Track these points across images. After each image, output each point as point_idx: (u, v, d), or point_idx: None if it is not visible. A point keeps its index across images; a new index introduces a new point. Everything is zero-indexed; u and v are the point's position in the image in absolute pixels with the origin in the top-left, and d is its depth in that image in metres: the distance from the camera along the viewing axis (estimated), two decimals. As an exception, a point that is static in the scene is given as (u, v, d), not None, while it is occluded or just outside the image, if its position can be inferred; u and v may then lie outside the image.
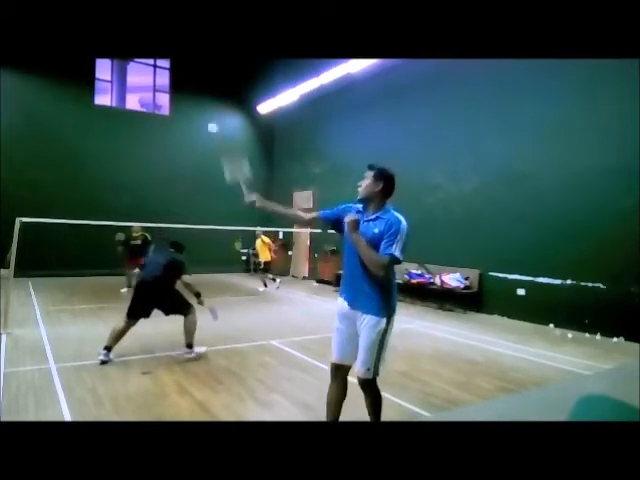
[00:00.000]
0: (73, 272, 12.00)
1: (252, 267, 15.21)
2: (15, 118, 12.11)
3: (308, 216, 3.03)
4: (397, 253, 2.52)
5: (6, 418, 3.34)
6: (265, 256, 11.30)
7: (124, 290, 9.84)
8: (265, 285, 11.41)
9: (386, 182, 2.67)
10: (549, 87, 7.82)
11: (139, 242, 9.71)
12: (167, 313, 5.29)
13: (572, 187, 7.40)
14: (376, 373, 2.71)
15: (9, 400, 3.74)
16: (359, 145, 12.03)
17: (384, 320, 2.64)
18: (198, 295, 5.43)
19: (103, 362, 4.87)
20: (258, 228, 11.31)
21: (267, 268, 11.44)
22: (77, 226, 9.12)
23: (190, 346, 5.19)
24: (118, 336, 5.00)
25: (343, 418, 3.63)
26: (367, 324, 2.64)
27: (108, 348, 4.94)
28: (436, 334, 6.91)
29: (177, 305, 5.26)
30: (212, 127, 9.93)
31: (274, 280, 11.39)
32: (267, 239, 11.40)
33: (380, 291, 2.63)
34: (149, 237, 9.81)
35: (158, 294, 5.18)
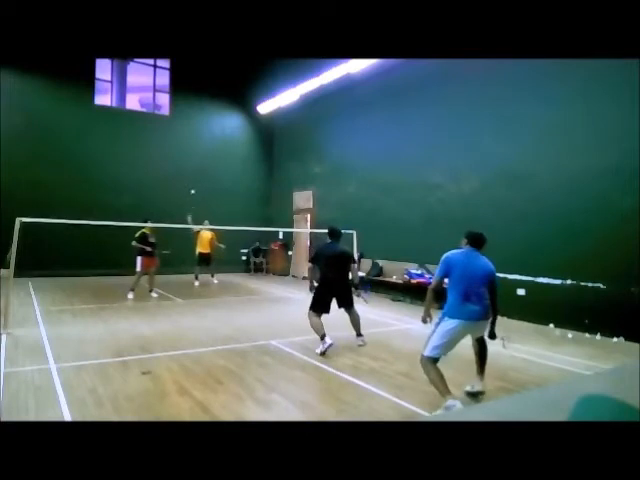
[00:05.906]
0: (73, 272, 12.00)
1: (252, 267, 15.22)
2: (15, 118, 12.10)
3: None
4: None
5: (6, 418, 3.33)
6: (206, 248, 11.78)
7: (130, 296, 9.11)
8: (212, 275, 12.12)
9: (468, 239, 4.13)
10: (549, 87, 7.81)
11: (154, 241, 9.32)
12: (343, 305, 5.65)
13: (572, 187, 7.39)
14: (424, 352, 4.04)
15: (9, 400, 3.74)
16: (359, 145, 12.02)
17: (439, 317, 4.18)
18: (357, 287, 5.80)
19: (324, 352, 5.22)
20: (206, 223, 11.36)
21: (209, 261, 11.98)
22: (77, 226, 9.11)
23: (360, 334, 5.66)
24: (321, 327, 5.37)
25: (343, 418, 3.63)
26: None
27: (323, 336, 5.29)
28: (436, 334, 6.89)
29: (351, 297, 5.65)
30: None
31: (196, 278, 11.85)
32: (211, 233, 11.84)
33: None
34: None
35: (343, 287, 5.58)
